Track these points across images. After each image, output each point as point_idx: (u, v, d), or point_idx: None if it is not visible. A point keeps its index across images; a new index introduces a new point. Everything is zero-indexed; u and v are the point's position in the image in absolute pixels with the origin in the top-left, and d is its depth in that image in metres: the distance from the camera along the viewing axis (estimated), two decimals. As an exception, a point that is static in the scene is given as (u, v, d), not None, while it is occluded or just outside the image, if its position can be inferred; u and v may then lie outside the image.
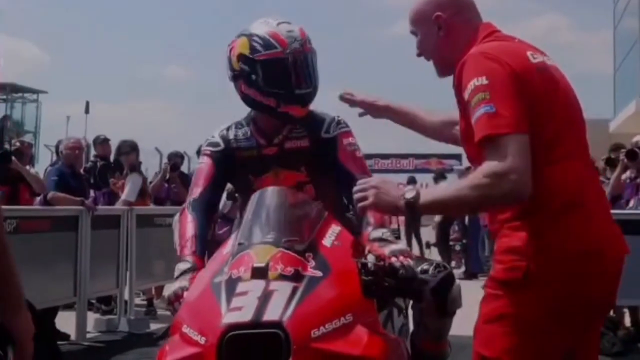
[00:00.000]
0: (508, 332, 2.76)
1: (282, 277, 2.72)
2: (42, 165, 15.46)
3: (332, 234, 3.11)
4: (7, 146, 9.74)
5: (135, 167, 10.73)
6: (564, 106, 2.84)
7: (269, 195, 3.16)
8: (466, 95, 2.72)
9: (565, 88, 2.90)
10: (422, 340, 3.73)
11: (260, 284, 2.69)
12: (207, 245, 3.55)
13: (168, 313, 10.94)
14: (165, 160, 12.95)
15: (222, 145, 3.78)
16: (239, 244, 2.95)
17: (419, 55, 3.15)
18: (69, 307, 9.17)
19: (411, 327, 3.93)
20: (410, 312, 3.94)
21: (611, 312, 8.84)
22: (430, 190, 2.88)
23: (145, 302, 10.95)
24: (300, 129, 3.74)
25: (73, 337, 8.75)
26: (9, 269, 2.48)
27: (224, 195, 12.26)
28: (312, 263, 2.82)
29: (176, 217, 3.73)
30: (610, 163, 10.07)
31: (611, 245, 2.83)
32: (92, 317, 9.59)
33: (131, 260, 9.65)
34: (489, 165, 2.62)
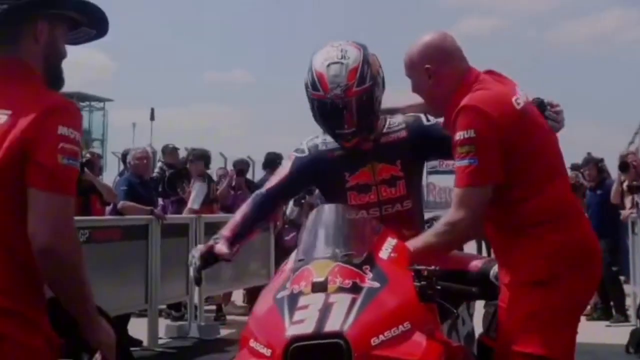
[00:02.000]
0: (544, 326, 3.22)
1: (341, 289, 2.84)
2: (109, 172, 15.68)
3: (389, 246, 3.21)
4: (78, 158, 9.89)
5: (203, 175, 10.85)
6: (545, 141, 3.41)
7: (326, 212, 3.30)
8: (456, 138, 3.26)
9: (543, 125, 3.44)
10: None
11: (320, 297, 2.82)
12: (245, 232, 3.90)
13: (238, 319, 11.15)
14: (230, 166, 13.07)
15: (307, 153, 3.91)
16: (299, 260, 3.07)
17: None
18: (141, 315, 9.31)
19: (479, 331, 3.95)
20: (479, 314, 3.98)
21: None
22: (413, 241, 3.36)
23: (214, 308, 11.07)
24: (399, 122, 3.88)
25: (145, 343, 8.90)
26: (82, 287, 2.58)
27: (291, 202, 12.41)
28: (370, 275, 2.93)
29: None
30: None
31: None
32: (163, 323, 9.75)
33: (200, 267, 9.71)
34: (449, 215, 3.32)
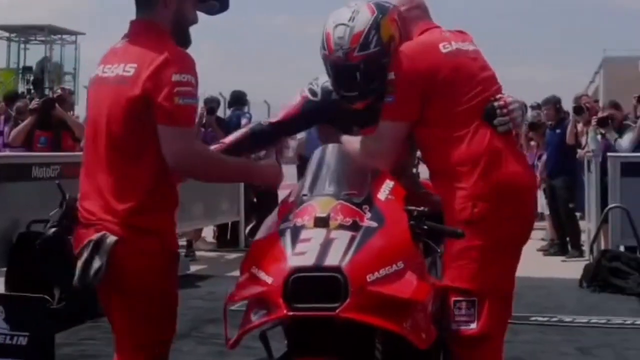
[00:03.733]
0: (470, 263, 3.49)
1: (341, 226, 3.04)
2: (81, 106, 15.72)
3: (387, 188, 3.38)
4: (49, 93, 9.99)
5: None
6: (470, 87, 3.63)
7: (330, 152, 3.47)
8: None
9: (472, 69, 3.67)
10: None
11: (322, 232, 3.00)
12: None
13: (207, 254, 11.34)
14: (201, 102, 13.15)
15: (320, 96, 3.96)
16: (303, 195, 3.25)
17: None
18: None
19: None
20: None
21: (637, 253, 9.10)
22: (347, 138, 3.72)
23: (184, 244, 11.29)
24: None
25: (116, 278, 9.06)
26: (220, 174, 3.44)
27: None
28: (368, 214, 3.13)
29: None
30: None
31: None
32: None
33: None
34: (369, 141, 3.63)
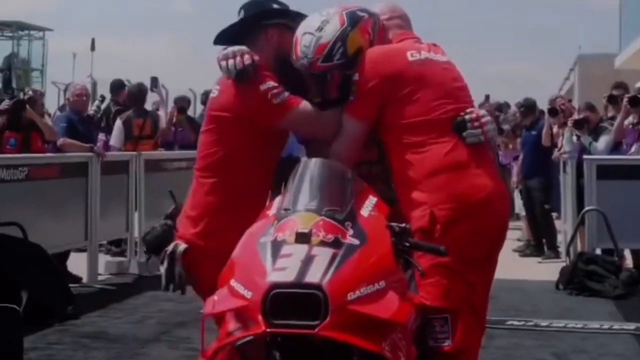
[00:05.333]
0: (436, 280, 3.46)
1: (323, 243, 2.95)
2: (48, 103, 15.58)
3: (370, 205, 3.32)
4: (18, 94, 9.88)
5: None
6: (437, 92, 3.62)
7: (313, 165, 3.38)
8: None
9: (442, 78, 3.67)
10: None
11: (303, 248, 2.92)
12: None
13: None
14: (171, 99, 13.04)
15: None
16: (285, 209, 3.17)
17: None
18: (81, 250, 9.36)
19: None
20: None
21: (613, 256, 9.08)
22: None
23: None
24: None
25: (85, 279, 8.97)
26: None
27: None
28: (351, 231, 3.04)
29: None
30: (613, 101, 10.46)
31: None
32: (102, 259, 9.80)
33: (140, 204, 9.84)
34: (336, 144, 3.68)
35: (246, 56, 3.62)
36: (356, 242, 3.00)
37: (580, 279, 8.77)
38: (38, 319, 6.83)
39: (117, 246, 10.67)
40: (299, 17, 3.81)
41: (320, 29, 3.67)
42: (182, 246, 3.67)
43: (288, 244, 2.95)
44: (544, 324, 7.40)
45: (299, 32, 3.70)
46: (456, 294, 3.47)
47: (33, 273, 7.21)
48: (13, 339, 4.80)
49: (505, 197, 3.77)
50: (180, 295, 6.30)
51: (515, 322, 7.39)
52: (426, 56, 3.70)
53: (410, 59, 3.66)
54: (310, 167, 3.37)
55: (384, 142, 3.71)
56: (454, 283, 3.47)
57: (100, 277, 9.26)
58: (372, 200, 3.36)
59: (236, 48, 3.65)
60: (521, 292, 8.75)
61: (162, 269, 3.69)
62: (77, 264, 9.09)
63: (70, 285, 8.11)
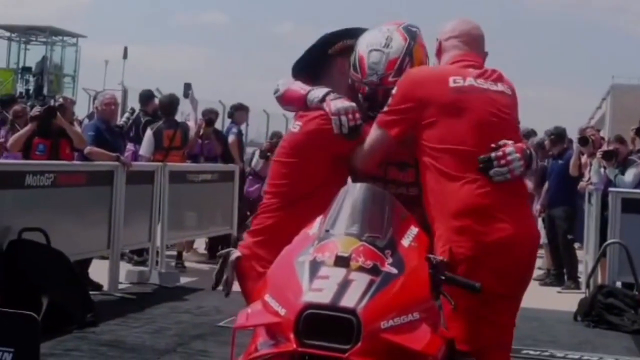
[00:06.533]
0: (461, 324, 3.44)
1: (361, 269, 2.99)
2: (79, 110, 15.74)
3: (411, 235, 3.34)
4: (51, 102, 9.99)
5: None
6: (469, 124, 3.56)
7: (358, 190, 3.41)
8: None
9: (480, 109, 3.58)
10: None
11: (341, 271, 2.96)
12: None
13: (198, 266, 11.34)
14: (200, 112, 13.10)
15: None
16: (326, 230, 3.20)
17: None
18: (103, 257, 9.42)
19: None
20: None
21: (634, 290, 9.02)
22: None
23: (175, 254, 11.22)
24: None
25: (105, 287, 9.03)
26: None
27: (257, 154, 12.50)
28: (390, 260, 3.08)
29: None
30: None
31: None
32: (124, 267, 9.85)
33: (163, 214, 9.91)
34: (359, 149, 3.71)
35: (357, 115, 3.69)
36: (394, 271, 3.03)
37: (598, 312, 8.72)
38: (57, 325, 6.85)
39: (139, 255, 10.74)
40: (359, 31, 3.90)
41: (387, 45, 3.80)
42: (236, 254, 3.77)
43: (327, 266, 2.99)
44: (559, 354, 7.38)
45: (363, 50, 3.79)
46: (481, 337, 3.46)
47: (54, 279, 7.28)
48: (29, 344, 4.81)
49: (534, 241, 3.67)
50: (197, 308, 6.32)
51: (532, 352, 7.36)
52: (471, 83, 3.62)
53: (451, 85, 3.60)
54: (354, 191, 3.40)
55: (417, 158, 3.68)
56: (478, 326, 3.45)
57: (120, 286, 9.30)
58: (413, 230, 3.38)
59: (348, 105, 3.72)
60: (539, 322, 8.69)
61: (215, 270, 3.84)
62: (98, 271, 9.13)
63: (91, 292, 8.18)
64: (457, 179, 3.50)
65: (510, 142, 3.57)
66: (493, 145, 3.53)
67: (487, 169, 3.50)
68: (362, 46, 3.81)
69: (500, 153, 3.52)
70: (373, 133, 3.67)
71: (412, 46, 3.81)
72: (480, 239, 3.45)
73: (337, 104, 3.70)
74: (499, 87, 3.68)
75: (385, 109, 3.64)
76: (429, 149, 3.57)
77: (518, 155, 3.55)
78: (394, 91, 3.63)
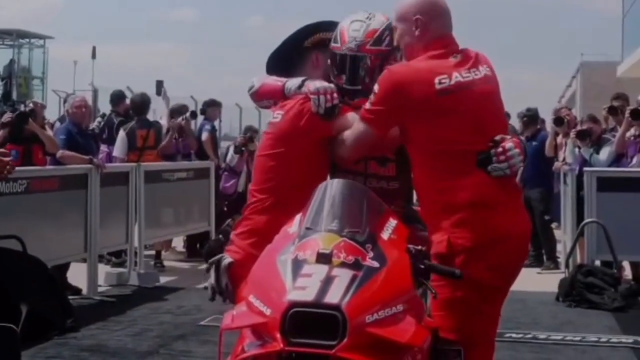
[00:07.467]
0: (452, 314, 3.47)
1: (343, 264, 3.01)
2: (48, 112, 15.56)
3: (389, 227, 3.35)
4: (22, 107, 9.89)
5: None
6: (463, 124, 3.52)
7: (335, 186, 3.42)
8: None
9: (471, 108, 3.53)
10: None
11: (323, 268, 2.98)
12: None
13: (177, 265, 11.33)
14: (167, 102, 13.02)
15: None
16: (306, 228, 3.22)
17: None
18: (82, 260, 9.34)
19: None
20: None
21: (612, 268, 9.07)
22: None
23: (153, 254, 11.17)
24: None
25: (85, 290, 8.98)
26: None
27: (231, 149, 12.43)
28: (371, 254, 3.10)
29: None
30: (612, 112, 10.44)
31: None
32: (102, 270, 9.80)
33: (140, 215, 9.87)
34: (348, 131, 3.68)
35: (335, 95, 3.69)
36: (376, 264, 3.05)
37: (579, 291, 8.78)
38: (37, 333, 6.81)
39: (117, 257, 10.68)
40: (333, 25, 3.94)
41: (369, 18, 3.86)
42: (227, 259, 3.75)
43: (309, 264, 3.01)
44: (542, 336, 7.41)
45: (345, 23, 3.86)
46: (471, 328, 3.48)
47: (32, 286, 7.21)
48: (9, 357, 4.78)
49: (527, 235, 3.73)
50: (178, 307, 6.29)
51: (514, 335, 7.39)
52: (457, 80, 3.54)
53: (437, 87, 3.51)
54: (332, 188, 3.41)
55: (408, 155, 3.68)
56: (469, 318, 3.47)
57: (100, 289, 9.26)
58: (392, 223, 3.39)
59: (327, 85, 3.72)
60: (522, 304, 8.72)
61: (210, 280, 3.82)
62: (77, 275, 9.08)
63: (70, 296, 8.14)
64: (456, 175, 3.51)
65: (507, 137, 3.56)
66: (490, 143, 3.52)
67: (485, 164, 3.51)
68: (345, 21, 3.89)
69: (500, 149, 3.51)
70: (358, 126, 3.64)
71: (393, 25, 3.79)
72: (479, 232, 3.46)
73: (316, 83, 3.74)
74: (481, 71, 3.62)
75: (368, 105, 3.59)
76: (421, 150, 3.58)
77: (517, 150, 3.55)
78: (375, 88, 3.58)
